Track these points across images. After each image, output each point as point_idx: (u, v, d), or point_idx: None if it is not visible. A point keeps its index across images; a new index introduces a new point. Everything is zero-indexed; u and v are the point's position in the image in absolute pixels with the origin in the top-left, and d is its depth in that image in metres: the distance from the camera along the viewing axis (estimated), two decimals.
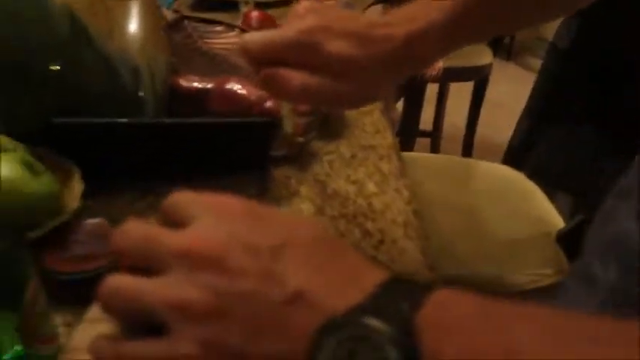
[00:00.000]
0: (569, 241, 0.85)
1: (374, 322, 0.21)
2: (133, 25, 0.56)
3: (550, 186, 0.99)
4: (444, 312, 0.21)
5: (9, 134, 0.52)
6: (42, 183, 0.45)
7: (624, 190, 0.43)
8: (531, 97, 1.43)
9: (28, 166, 0.45)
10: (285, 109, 0.42)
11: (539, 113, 1.40)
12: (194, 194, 0.27)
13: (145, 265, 0.24)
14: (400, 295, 0.22)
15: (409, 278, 0.23)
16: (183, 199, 0.26)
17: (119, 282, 0.24)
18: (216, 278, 0.22)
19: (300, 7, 0.38)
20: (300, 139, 0.46)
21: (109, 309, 0.23)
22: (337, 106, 0.39)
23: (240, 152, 0.59)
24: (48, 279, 0.40)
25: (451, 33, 0.41)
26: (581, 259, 0.51)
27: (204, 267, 0.23)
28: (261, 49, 0.37)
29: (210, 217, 0.25)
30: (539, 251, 0.83)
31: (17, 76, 0.52)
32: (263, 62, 0.37)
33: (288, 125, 0.44)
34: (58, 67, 0.51)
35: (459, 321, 0.21)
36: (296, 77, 0.36)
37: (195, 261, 0.23)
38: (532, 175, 1.05)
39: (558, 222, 0.89)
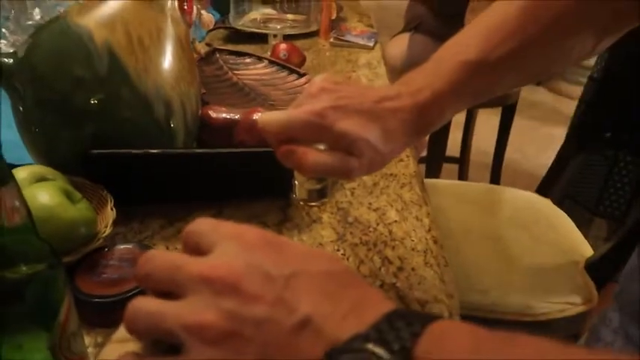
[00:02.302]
0: (599, 270, 0.84)
1: (375, 349, 0.22)
2: (167, 62, 0.60)
3: (586, 211, 0.98)
4: (440, 343, 0.22)
5: (49, 164, 0.56)
6: (78, 210, 0.48)
7: None
8: (571, 126, 1.43)
9: (67, 194, 0.48)
10: (299, 177, 0.46)
11: (570, 139, 1.39)
12: (215, 222, 0.29)
13: (168, 290, 0.26)
14: (401, 325, 0.23)
15: (413, 310, 0.25)
16: (204, 226, 0.28)
17: (143, 305, 0.26)
18: (232, 303, 0.24)
19: (314, 87, 0.42)
20: (313, 204, 0.50)
21: (133, 330, 0.25)
22: (348, 178, 0.43)
23: (264, 180, 0.61)
24: (80, 301, 0.43)
25: (456, 100, 0.44)
26: (615, 309, 0.51)
27: (223, 292, 0.24)
28: (278, 128, 0.41)
29: (229, 245, 0.27)
30: (567, 279, 0.82)
31: (58, 110, 0.55)
32: (281, 139, 0.41)
33: (302, 192, 0.47)
34: (97, 102, 0.55)
35: (454, 354, 0.22)
36: (310, 155, 0.40)
37: (214, 286, 0.25)
38: (564, 201, 1.04)
39: (587, 250, 0.88)
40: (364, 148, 0.41)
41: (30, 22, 0.99)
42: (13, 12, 1.04)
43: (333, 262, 0.28)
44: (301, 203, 0.49)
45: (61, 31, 0.56)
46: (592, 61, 1.37)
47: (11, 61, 0.56)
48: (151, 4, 0.61)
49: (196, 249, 0.28)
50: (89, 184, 0.55)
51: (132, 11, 0.59)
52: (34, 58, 0.56)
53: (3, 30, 0.98)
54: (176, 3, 0.65)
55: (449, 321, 0.24)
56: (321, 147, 0.42)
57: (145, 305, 0.25)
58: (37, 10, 1.07)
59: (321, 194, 0.49)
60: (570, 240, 0.90)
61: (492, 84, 0.47)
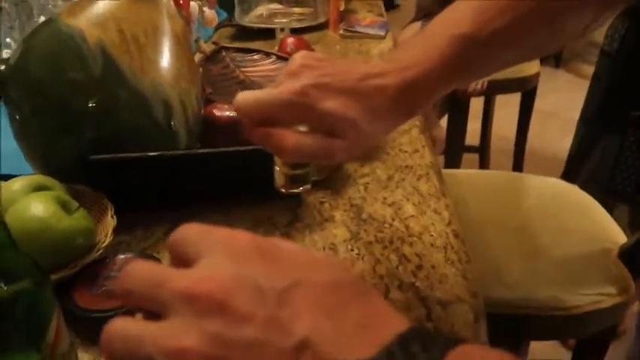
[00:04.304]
0: (634, 257, 0.78)
1: None
2: (165, 60, 0.57)
3: (607, 196, 0.92)
4: None
5: (48, 173, 0.54)
6: (75, 220, 0.45)
7: None
8: (585, 105, 1.36)
9: (62, 204, 0.46)
10: (278, 162, 0.43)
11: (593, 121, 1.33)
12: (202, 228, 0.25)
13: (150, 309, 0.23)
14: (417, 349, 0.19)
15: (430, 330, 0.21)
16: (191, 233, 0.25)
17: (120, 327, 0.23)
18: (219, 325, 0.21)
19: (294, 64, 0.39)
20: (295, 191, 0.46)
21: (110, 355, 0.23)
22: (332, 161, 0.39)
23: (272, 180, 0.58)
24: (77, 316, 0.41)
25: (447, 76, 0.41)
26: None
27: (208, 312, 0.21)
28: (255, 109, 0.37)
29: (217, 255, 0.24)
30: (600, 269, 0.77)
31: (54, 115, 0.53)
32: (259, 121, 0.38)
33: (282, 178, 0.44)
34: (93, 105, 0.53)
35: None
36: (290, 137, 0.37)
37: (197, 305, 0.22)
38: (587, 185, 0.98)
39: (619, 236, 0.83)
40: (348, 129, 0.37)
41: None
42: (17, 21, 1.03)
43: (337, 271, 0.24)
44: (282, 191, 0.44)
45: (53, 33, 0.54)
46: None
47: (3, 68, 0.54)
48: (145, 1, 0.59)
49: (183, 260, 0.25)
50: (89, 192, 0.53)
51: (125, 9, 0.57)
52: (26, 63, 0.54)
53: (7, 39, 0.97)
54: None
55: (473, 346, 0.20)
56: (302, 128, 0.38)
57: (123, 328, 0.23)
58: (42, 17, 1.06)
59: (303, 180, 0.45)
60: (601, 227, 0.85)
61: (486, 60, 0.43)
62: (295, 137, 0.37)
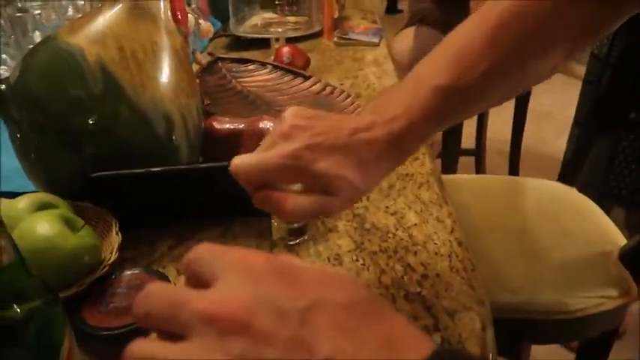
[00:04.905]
0: (635, 259, 0.79)
1: None
2: (165, 76, 0.57)
3: (603, 199, 0.93)
4: None
5: (51, 190, 0.54)
6: (80, 238, 0.45)
7: None
8: (577, 109, 1.37)
9: (67, 222, 0.46)
10: (276, 217, 0.44)
11: (586, 124, 1.35)
12: (217, 248, 0.26)
13: (170, 331, 0.23)
14: None
15: (453, 351, 0.21)
16: (206, 254, 0.25)
17: (141, 349, 0.23)
18: (242, 345, 0.21)
19: (285, 125, 0.40)
20: (292, 242, 0.48)
21: None
22: (328, 217, 0.40)
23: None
24: (87, 335, 0.41)
25: (432, 125, 0.43)
26: None
27: (230, 333, 0.22)
28: (253, 174, 0.39)
29: (234, 275, 0.24)
30: (601, 271, 0.78)
31: (55, 133, 0.53)
32: (257, 184, 0.40)
33: (281, 232, 0.46)
34: (95, 122, 0.53)
35: None
36: (288, 200, 0.39)
37: (220, 326, 0.22)
38: (583, 188, 0.99)
39: (619, 238, 0.84)
40: (342, 186, 0.39)
41: (31, 46, 0.98)
42: (13, 37, 1.03)
43: (355, 289, 0.24)
44: (280, 243, 0.47)
45: (52, 51, 0.54)
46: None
47: (3, 87, 0.54)
48: (143, 18, 0.59)
49: (198, 280, 0.25)
50: (93, 209, 0.53)
51: (123, 26, 0.57)
52: (26, 81, 0.54)
53: (3, 56, 0.97)
54: (169, 13, 0.62)
55: None
56: (297, 187, 0.40)
57: (143, 350, 0.23)
58: (37, 33, 1.06)
59: (300, 232, 0.48)
60: (601, 229, 0.86)
61: (465, 107, 0.46)
62: (293, 199, 0.38)
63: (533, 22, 0.44)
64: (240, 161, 0.39)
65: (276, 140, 0.39)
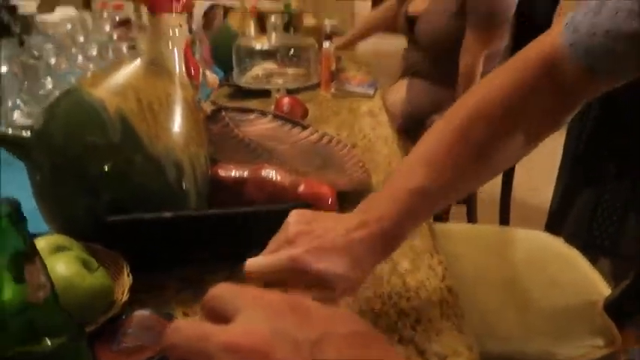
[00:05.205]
0: (618, 309, 0.82)
1: None
2: (177, 126, 0.62)
3: (587, 250, 0.97)
4: None
5: (65, 232, 0.57)
6: (96, 278, 0.48)
7: None
8: (562, 160, 1.43)
9: (84, 263, 0.49)
10: None
11: (569, 175, 1.40)
12: (236, 287, 0.29)
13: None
14: None
15: None
16: (226, 292, 0.29)
17: None
18: None
19: (290, 232, 0.47)
20: None
21: None
22: None
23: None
24: None
25: (413, 222, 0.51)
26: None
27: None
28: (264, 274, 0.46)
29: (253, 311, 0.27)
30: (588, 321, 0.80)
31: (74, 178, 0.57)
32: (266, 282, 0.46)
33: None
34: (111, 169, 0.56)
35: None
36: None
37: (242, 356, 0.25)
38: (569, 238, 1.03)
39: (603, 289, 0.87)
40: (339, 282, 0.46)
41: (42, 92, 1.03)
42: (26, 83, 1.07)
43: (356, 323, 0.28)
44: None
45: (76, 102, 0.59)
46: None
47: (28, 133, 0.58)
48: (160, 72, 0.64)
49: (218, 316, 0.28)
50: (105, 251, 0.56)
51: (142, 79, 0.61)
52: (50, 129, 0.58)
53: (17, 101, 1.01)
54: (183, 68, 0.67)
55: None
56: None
57: None
58: (48, 79, 1.11)
59: None
60: (587, 279, 0.89)
61: (439, 203, 0.54)
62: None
63: (499, 117, 0.52)
64: (253, 264, 0.47)
65: (281, 245, 0.47)
